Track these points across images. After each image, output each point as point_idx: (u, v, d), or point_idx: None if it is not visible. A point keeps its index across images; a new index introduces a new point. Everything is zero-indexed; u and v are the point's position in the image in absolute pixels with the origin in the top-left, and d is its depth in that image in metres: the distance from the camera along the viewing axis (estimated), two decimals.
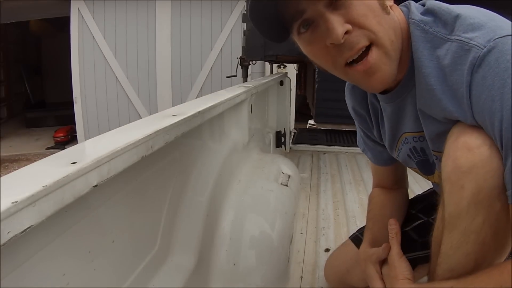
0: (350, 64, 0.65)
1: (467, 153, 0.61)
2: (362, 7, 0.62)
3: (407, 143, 0.82)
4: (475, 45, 0.57)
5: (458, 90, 0.59)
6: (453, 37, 0.60)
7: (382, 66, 0.65)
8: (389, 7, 0.66)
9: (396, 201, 1.01)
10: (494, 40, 0.55)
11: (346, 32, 0.61)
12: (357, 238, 1.06)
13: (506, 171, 0.57)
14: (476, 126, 0.61)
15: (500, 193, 0.58)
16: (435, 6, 0.66)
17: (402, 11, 0.70)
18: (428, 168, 0.83)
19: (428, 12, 0.66)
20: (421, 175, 0.88)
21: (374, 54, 0.64)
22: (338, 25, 0.61)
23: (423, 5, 0.70)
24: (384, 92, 0.76)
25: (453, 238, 0.65)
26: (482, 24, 0.58)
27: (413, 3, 0.71)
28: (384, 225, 0.89)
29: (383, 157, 0.96)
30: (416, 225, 1.01)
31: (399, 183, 1.03)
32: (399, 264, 0.78)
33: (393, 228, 0.83)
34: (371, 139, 0.95)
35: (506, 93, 0.53)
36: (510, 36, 0.55)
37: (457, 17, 0.61)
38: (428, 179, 0.88)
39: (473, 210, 0.61)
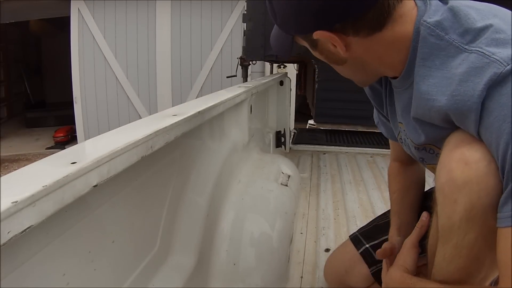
0: None
1: (463, 167, 0.59)
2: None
3: (403, 133, 0.83)
4: (497, 60, 0.53)
5: (466, 102, 0.56)
6: (472, 48, 0.57)
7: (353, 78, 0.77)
8: (342, 58, 0.69)
9: (418, 180, 1.03)
10: None
11: None
12: (356, 238, 1.06)
13: (503, 195, 0.55)
14: (476, 138, 0.59)
15: (494, 211, 0.57)
16: (461, 9, 0.61)
17: (418, 6, 0.66)
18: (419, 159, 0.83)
19: (450, 12, 0.62)
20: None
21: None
22: None
23: (446, 2, 0.65)
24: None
25: (446, 251, 0.64)
26: (508, 42, 0.55)
27: (434, 0, 0.66)
28: (410, 209, 0.96)
29: (394, 133, 0.96)
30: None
31: (414, 164, 1.02)
32: (407, 253, 0.79)
33: (423, 221, 0.83)
34: (382, 115, 0.94)
35: None
36: None
37: (484, 28, 0.57)
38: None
39: (465, 226, 0.60)
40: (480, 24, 0.58)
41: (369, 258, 1.01)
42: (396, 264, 0.78)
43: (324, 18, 0.63)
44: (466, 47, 0.57)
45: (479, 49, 0.56)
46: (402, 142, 0.88)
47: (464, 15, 0.60)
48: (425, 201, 1.07)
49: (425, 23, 0.63)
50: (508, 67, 0.52)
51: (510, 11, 0.61)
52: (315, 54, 0.74)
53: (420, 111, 0.68)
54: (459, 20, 0.60)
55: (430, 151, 0.75)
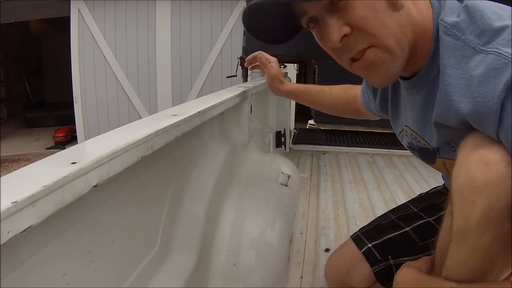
0: (354, 59, 0.66)
1: (483, 168, 0.58)
2: (363, 9, 0.60)
3: (407, 136, 0.83)
4: None
5: (485, 104, 0.56)
6: (488, 49, 0.56)
7: (382, 64, 0.65)
8: (400, 2, 0.62)
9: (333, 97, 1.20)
10: None
11: (345, 35, 0.62)
12: (358, 238, 1.06)
13: None
14: (494, 140, 0.58)
15: (510, 213, 0.57)
16: (477, 8, 0.60)
17: (432, 5, 0.66)
18: (428, 156, 0.83)
19: (466, 13, 0.61)
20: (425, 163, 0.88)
21: (371, 54, 0.64)
22: (334, 30, 0.62)
23: (461, 1, 0.64)
24: (406, 77, 0.75)
25: (460, 252, 0.63)
26: None
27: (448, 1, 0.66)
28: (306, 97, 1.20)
29: (370, 105, 1.02)
30: (417, 225, 1.01)
31: (365, 109, 1.11)
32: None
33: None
34: (373, 94, 0.98)
35: None
36: None
37: (500, 29, 0.57)
38: (432, 167, 0.87)
39: (482, 228, 0.59)
40: (496, 24, 0.57)
41: (371, 257, 1.01)
42: (408, 264, 0.77)
43: None
44: (483, 48, 0.57)
45: (497, 50, 0.55)
46: (402, 140, 0.88)
47: (480, 16, 0.59)
48: (435, 199, 1.07)
49: (442, 22, 0.62)
50: None
51: None
52: None
53: (438, 111, 0.67)
54: (476, 21, 0.59)
55: (452, 148, 0.74)
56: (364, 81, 1.04)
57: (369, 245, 1.02)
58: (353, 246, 1.05)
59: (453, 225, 0.64)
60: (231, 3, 5.56)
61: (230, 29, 5.64)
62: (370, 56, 0.64)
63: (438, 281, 0.68)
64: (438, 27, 0.63)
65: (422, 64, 0.68)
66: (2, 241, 0.35)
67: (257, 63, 1.28)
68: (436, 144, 0.75)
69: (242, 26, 3.28)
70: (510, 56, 0.53)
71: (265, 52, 1.28)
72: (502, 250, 0.59)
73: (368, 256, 1.01)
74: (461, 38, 0.59)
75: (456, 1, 0.64)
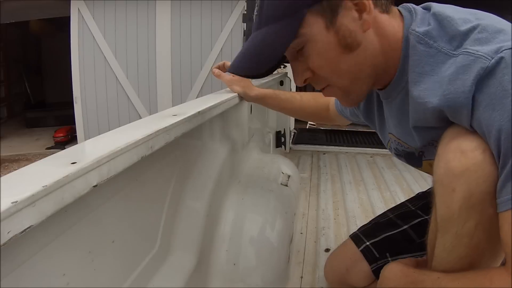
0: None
1: (459, 156, 0.60)
2: (317, 58, 0.67)
3: (392, 142, 0.85)
4: (482, 55, 0.56)
5: (457, 99, 0.59)
6: (458, 52, 0.60)
7: (341, 96, 0.74)
8: (357, 41, 0.64)
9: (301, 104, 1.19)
10: (502, 51, 0.55)
11: (307, 79, 0.71)
12: (357, 237, 1.07)
13: (500, 180, 0.57)
14: (471, 130, 0.61)
15: (493, 198, 0.58)
16: (445, 15, 0.64)
17: (404, 18, 0.68)
18: (415, 161, 0.85)
19: (435, 21, 0.64)
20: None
21: (328, 91, 0.73)
22: (297, 74, 0.71)
23: (428, 8, 0.68)
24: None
25: (446, 241, 0.65)
26: (490, 40, 0.58)
27: (418, 8, 0.69)
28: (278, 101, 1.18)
29: (346, 111, 1.06)
30: (415, 223, 1.02)
31: (335, 117, 1.15)
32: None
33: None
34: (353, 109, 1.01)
35: (507, 104, 0.53)
36: None
37: (467, 32, 0.60)
38: (420, 170, 0.90)
39: (464, 214, 0.61)
40: (463, 28, 0.61)
41: (369, 255, 1.01)
42: (395, 261, 0.80)
43: None
44: (454, 52, 0.60)
45: (465, 50, 0.59)
46: (390, 149, 0.90)
47: (448, 22, 0.62)
48: (424, 200, 1.08)
49: (414, 32, 0.65)
50: (493, 60, 0.55)
51: (489, 13, 0.64)
52: (322, 39, 0.64)
53: (416, 116, 0.69)
54: (445, 27, 0.63)
55: (435, 148, 0.76)
56: None
57: (368, 243, 1.03)
58: (352, 244, 1.06)
59: (437, 214, 0.66)
60: (231, 3, 5.55)
61: (230, 29, 5.64)
62: (328, 93, 0.74)
63: (425, 273, 0.69)
64: (407, 37, 0.66)
65: (394, 74, 0.72)
66: (2, 241, 0.35)
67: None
68: (419, 145, 0.77)
69: (242, 26, 3.28)
70: (477, 53, 0.57)
71: None
72: (488, 238, 0.60)
73: (367, 254, 1.01)
74: (434, 46, 0.63)
75: (425, 10, 0.68)
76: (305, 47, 0.66)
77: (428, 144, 0.76)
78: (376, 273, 0.99)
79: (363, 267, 1.01)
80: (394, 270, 0.76)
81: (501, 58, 0.55)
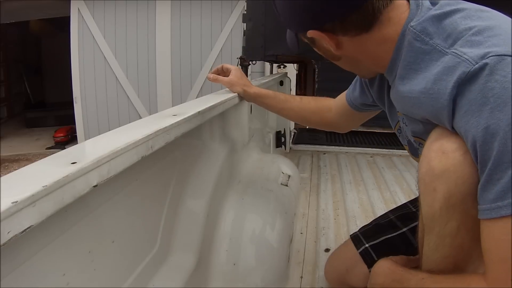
0: None
1: (440, 156, 0.62)
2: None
3: (401, 121, 0.86)
4: (467, 59, 0.56)
5: (439, 100, 0.60)
6: (450, 51, 0.60)
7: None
8: (338, 56, 0.75)
9: (310, 111, 1.18)
10: (488, 57, 0.54)
11: None
12: (357, 238, 1.07)
13: (478, 187, 0.57)
14: (454, 132, 0.61)
15: (474, 200, 0.58)
16: (447, 13, 0.63)
17: (410, 10, 0.68)
18: (412, 150, 0.86)
19: (436, 18, 0.64)
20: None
21: None
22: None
23: (435, 3, 0.67)
24: None
25: (430, 240, 0.66)
26: (482, 43, 0.57)
27: (426, 2, 0.69)
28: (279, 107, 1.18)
29: (355, 100, 1.04)
30: (414, 225, 1.01)
31: (338, 119, 1.14)
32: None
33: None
34: (364, 87, 0.99)
35: (485, 112, 0.53)
36: (509, 57, 0.53)
37: (462, 31, 0.60)
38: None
39: (445, 214, 0.62)
40: (461, 26, 0.60)
41: (368, 258, 1.01)
42: (385, 258, 0.81)
43: (314, 18, 0.70)
44: (447, 50, 0.60)
45: (454, 50, 0.59)
46: (399, 132, 0.90)
47: (448, 21, 0.62)
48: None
49: (411, 28, 0.66)
50: (476, 65, 0.55)
51: (501, 14, 0.63)
52: (316, 50, 0.80)
53: (404, 108, 0.72)
54: (444, 25, 0.63)
55: (420, 145, 0.78)
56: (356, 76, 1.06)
57: (367, 245, 1.03)
58: (352, 245, 1.06)
59: (421, 213, 0.67)
60: (231, 3, 5.56)
61: (230, 29, 5.64)
62: None
63: (411, 272, 0.71)
64: (404, 32, 0.67)
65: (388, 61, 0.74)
66: (2, 241, 0.35)
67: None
68: (409, 135, 0.79)
69: (242, 26, 3.29)
70: (463, 56, 0.57)
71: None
72: (473, 239, 0.60)
73: (365, 256, 1.02)
74: (429, 43, 0.63)
75: (431, 6, 0.68)
76: None
77: (414, 141, 0.79)
78: None
79: (363, 269, 1.01)
80: (383, 267, 0.77)
81: (485, 64, 0.54)
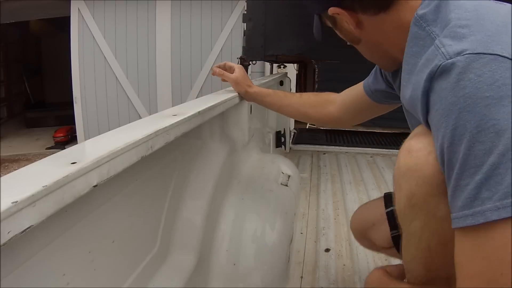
0: None
1: (406, 155, 0.62)
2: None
3: None
4: (442, 53, 0.53)
5: (416, 92, 0.58)
6: (436, 40, 0.57)
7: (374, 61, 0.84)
8: (357, 38, 0.75)
9: (310, 105, 1.15)
10: (465, 54, 0.51)
11: None
12: (388, 197, 1.02)
13: (448, 194, 0.54)
14: (427, 131, 0.60)
15: (438, 202, 0.57)
16: (450, 2, 0.60)
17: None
18: None
19: (438, 6, 0.62)
20: None
21: None
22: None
23: None
24: None
25: (403, 238, 0.67)
26: (466, 37, 0.53)
27: None
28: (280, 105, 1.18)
29: (375, 90, 1.00)
30: None
31: (342, 112, 1.10)
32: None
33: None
34: (385, 78, 0.96)
35: (455, 112, 0.50)
36: (488, 56, 0.50)
37: (450, 20, 0.57)
38: None
39: (409, 213, 0.62)
40: (452, 15, 0.58)
41: (392, 221, 0.97)
42: (379, 267, 0.81)
43: None
44: (436, 39, 0.58)
45: (438, 40, 0.56)
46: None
47: (448, 9, 0.60)
48: None
49: (416, 14, 0.64)
50: (449, 61, 0.52)
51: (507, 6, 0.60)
52: (338, 33, 0.78)
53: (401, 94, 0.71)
54: (440, 12, 0.60)
55: None
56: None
57: (393, 207, 1.00)
58: (382, 203, 1.02)
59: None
60: (231, 3, 5.55)
61: (230, 29, 5.64)
62: None
63: (396, 284, 0.71)
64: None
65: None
66: (2, 241, 0.35)
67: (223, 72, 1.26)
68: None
69: (242, 26, 3.29)
70: (441, 48, 0.54)
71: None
72: (441, 242, 0.59)
73: (390, 218, 0.97)
74: (426, 29, 0.61)
75: None
76: None
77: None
78: (395, 240, 0.95)
79: (386, 229, 0.98)
80: (374, 277, 0.78)
81: (458, 61, 0.51)
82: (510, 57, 0.50)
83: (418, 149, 0.61)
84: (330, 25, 0.78)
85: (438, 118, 0.53)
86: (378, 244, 1.01)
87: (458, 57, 0.51)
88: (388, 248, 0.99)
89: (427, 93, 0.55)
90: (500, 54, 0.50)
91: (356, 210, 1.15)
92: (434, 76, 0.54)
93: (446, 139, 0.52)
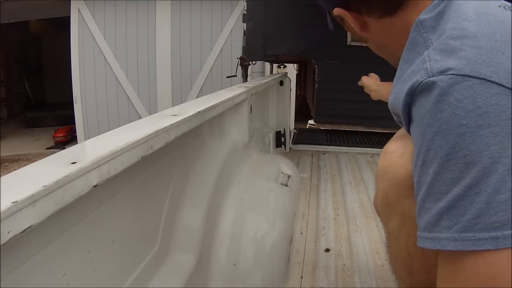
0: None
1: (382, 157, 0.66)
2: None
3: None
4: (426, 68, 0.50)
5: (396, 102, 0.57)
6: (428, 50, 0.54)
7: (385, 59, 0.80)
8: (365, 38, 0.72)
9: None
10: (448, 74, 0.47)
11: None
12: None
13: (416, 209, 0.53)
14: (406, 135, 0.60)
15: (413, 204, 0.55)
16: (453, 8, 0.57)
17: (432, 2, 0.64)
18: None
19: (440, 12, 0.58)
20: None
21: None
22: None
23: None
24: None
25: (386, 238, 0.70)
26: (456, 52, 0.49)
27: None
28: None
29: None
30: None
31: None
32: None
33: None
34: None
35: (429, 134, 0.49)
36: (474, 80, 0.46)
37: (444, 31, 0.53)
38: None
39: (385, 212, 0.65)
40: (448, 25, 0.54)
41: None
42: None
43: None
44: (428, 48, 0.55)
45: (426, 52, 0.53)
46: None
47: (449, 16, 0.56)
48: None
49: (417, 18, 0.61)
50: (430, 79, 0.49)
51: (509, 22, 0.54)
52: (346, 29, 0.78)
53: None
54: (440, 19, 0.57)
55: None
56: None
57: None
58: None
59: None
60: (231, 3, 5.56)
61: (230, 29, 5.64)
62: None
63: None
64: None
65: None
66: (2, 241, 0.35)
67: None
68: None
69: (242, 26, 3.29)
70: (426, 63, 0.51)
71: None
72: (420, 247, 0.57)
73: None
74: (423, 36, 0.58)
75: None
76: None
77: None
78: None
79: None
80: None
81: (440, 81, 0.47)
82: (498, 81, 0.46)
83: (392, 151, 0.64)
84: (339, 21, 0.76)
85: (416, 134, 0.52)
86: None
87: (441, 76, 0.48)
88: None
89: (408, 106, 0.54)
90: (488, 78, 0.46)
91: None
92: (415, 92, 0.51)
93: (420, 158, 0.51)
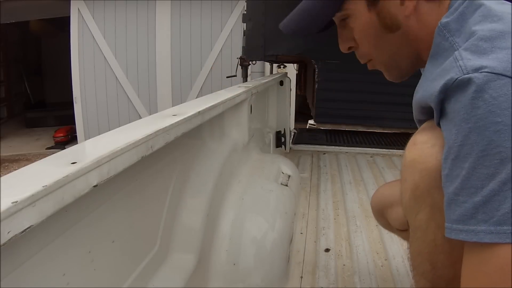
0: None
1: (411, 147, 0.63)
2: (359, 33, 0.70)
3: None
4: (460, 66, 0.52)
5: (428, 98, 0.58)
6: (457, 51, 0.55)
7: (384, 72, 0.75)
8: (396, 25, 0.66)
9: None
10: (482, 72, 0.49)
11: (352, 46, 0.73)
12: None
13: (445, 200, 0.54)
14: (435, 127, 0.60)
15: (441, 193, 0.56)
16: (472, 7, 0.58)
17: (450, 5, 0.64)
18: None
19: (462, 14, 0.60)
20: None
21: (371, 65, 0.75)
22: (341, 42, 0.74)
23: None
24: None
25: (410, 232, 0.67)
26: (487, 53, 0.51)
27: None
28: None
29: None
30: None
31: None
32: None
33: None
34: None
35: (464, 129, 0.50)
36: (507, 78, 0.48)
37: (473, 33, 0.55)
38: None
39: (414, 205, 0.63)
40: (476, 26, 0.56)
41: None
42: None
43: None
44: (457, 50, 0.57)
45: (458, 52, 0.55)
46: None
47: (473, 18, 0.58)
48: None
49: (440, 22, 0.62)
50: (465, 76, 0.50)
51: None
52: (364, 16, 0.68)
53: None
54: (464, 21, 0.59)
55: None
56: None
57: None
58: None
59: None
60: (231, 3, 5.56)
61: (230, 29, 5.64)
62: (372, 66, 0.75)
63: None
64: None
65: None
66: (2, 241, 0.35)
67: None
68: None
69: (242, 26, 3.29)
70: (460, 61, 0.53)
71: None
72: (448, 239, 0.57)
73: None
74: (449, 40, 0.60)
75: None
76: (349, 19, 0.70)
77: None
78: None
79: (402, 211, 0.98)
80: None
81: (475, 78, 0.49)
82: None
83: (422, 141, 0.61)
84: (355, 8, 0.68)
85: (450, 127, 0.54)
86: (393, 225, 1.01)
87: (476, 74, 0.50)
88: (402, 231, 0.99)
89: (441, 103, 0.55)
90: None
91: (378, 188, 1.13)
92: (449, 88, 0.53)
93: (452, 152, 0.52)
